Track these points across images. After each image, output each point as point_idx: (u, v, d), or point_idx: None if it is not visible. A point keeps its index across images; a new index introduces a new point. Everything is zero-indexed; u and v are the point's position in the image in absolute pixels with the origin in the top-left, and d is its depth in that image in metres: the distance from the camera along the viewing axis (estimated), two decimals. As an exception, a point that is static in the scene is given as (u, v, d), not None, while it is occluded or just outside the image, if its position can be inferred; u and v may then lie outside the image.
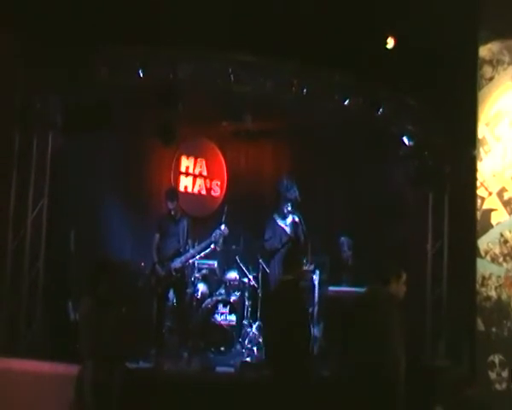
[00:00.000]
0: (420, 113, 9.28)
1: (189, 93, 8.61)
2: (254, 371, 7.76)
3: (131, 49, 8.20)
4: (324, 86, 8.99)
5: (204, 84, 8.67)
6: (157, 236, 8.71)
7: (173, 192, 9.10)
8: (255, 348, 8.88)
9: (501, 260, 7.77)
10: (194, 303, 9.00)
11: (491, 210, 7.90)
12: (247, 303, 9.22)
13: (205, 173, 10.62)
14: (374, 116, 9.16)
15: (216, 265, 9.38)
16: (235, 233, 9.26)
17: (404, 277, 6.13)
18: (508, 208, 7.81)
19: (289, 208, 9.05)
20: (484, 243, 7.87)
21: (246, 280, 9.31)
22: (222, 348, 8.65)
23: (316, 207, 10.02)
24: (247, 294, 9.27)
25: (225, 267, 9.42)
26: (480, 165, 8.04)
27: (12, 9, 7.54)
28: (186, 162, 10.53)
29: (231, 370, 8.02)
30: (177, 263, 8.64)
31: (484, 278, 7.81)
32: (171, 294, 8.82)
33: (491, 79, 8.01)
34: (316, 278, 8.94)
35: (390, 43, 8.48)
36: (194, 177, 10.55)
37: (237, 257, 9.36)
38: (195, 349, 8.55)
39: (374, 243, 9.65)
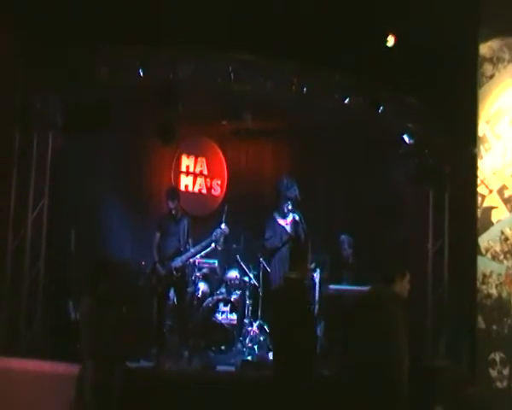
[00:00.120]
0: (420, 111, 9.29)
1: (189, 92, 8.61)
2: (255, 370, 7.76)
3: (131, 49, 8.21)
4: (324, 85, 9.00)
5: (204, 83, 8.67)
6: (157, 235, 8.72)
7: (174, 191, 9.10)
8: (256, 347, 8.90)
9: (501, 257, 7.75)
10: (195, 302, 9.01)
11: (492, 208, 7.88)
12: (247, 302, 9.24)
13: (205, 172, 10.63)
14: (374, 115, 9.16)
15: (216, 264, 9.41)
16: (236, 232, 9.28)
17: (407, 276, 6.12)
18: (508, 206, 7.78)
19: (289, 207, 9.06)
20: (484, 240, 7.85)
21: (246, 279, 9.32)
22: (223, 347, 8.66)
23: (316, 206, 10.02)
24: (247, 293, 9.28)
25: (226, 266, 9.44)
26: (480, 163, 8.02)
27: (12, 9, 7.54)
28: (186, 161, 10.54)
29: (232, 369, 8.02)
30: (177, 262, 8.64)
31: (484, 275, 7.79)
32: (171, 293, 8.82)
33: (491, 76, 7.99)
34: (316, 276, 8.95)
35: (390, 41, 8.47)
36: (195, 176, 10.55)
37: (238, 256, 9.38)
38: (196, 348, 8.56)
39: (374, 241, 9.67)
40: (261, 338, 8.99)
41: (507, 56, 7.92)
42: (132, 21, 7.74)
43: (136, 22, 7.75)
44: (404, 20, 8.23)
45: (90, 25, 7.64)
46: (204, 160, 10.63)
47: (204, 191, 10.61)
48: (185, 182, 10.50)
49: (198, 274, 9.11)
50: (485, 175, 7.96)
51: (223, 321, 8.85)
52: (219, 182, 10.66)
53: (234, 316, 8.92)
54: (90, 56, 8.13)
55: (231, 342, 8.72)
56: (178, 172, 10.46)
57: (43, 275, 8.25)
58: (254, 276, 9.37)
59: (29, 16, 7.62)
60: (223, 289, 9.19)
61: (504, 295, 7.67)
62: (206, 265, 9.29)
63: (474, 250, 7.90)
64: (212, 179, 10.64)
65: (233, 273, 9.32)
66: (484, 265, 7.82)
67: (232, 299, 9.05)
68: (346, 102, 9.03)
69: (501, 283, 7.70)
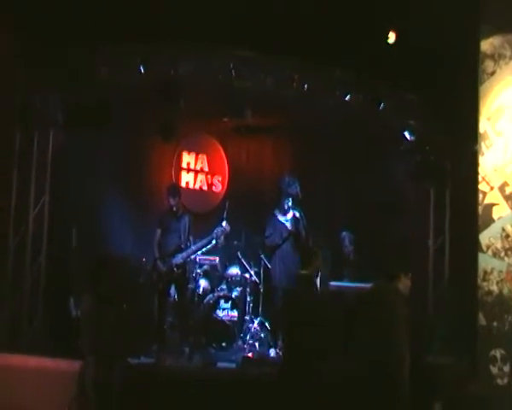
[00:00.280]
0: (421, 108, 9.27)
1: (190, 89, 8.60)
2: (256, 367, 7.77)
3: (132, 47, 8.21)
4: (325, 82, 8.99)
5: (205, 80, 8.67)
6: (158, 232, 8.72)
7: (175, 188, 9.11)
8: (257, 344, 8.91)
9: (502, 254, 7.76)
10: (196, 299, 9.02)
11: (493, 205, 7.88)
12: (248, 299, 9.24)
13: (206, 169, 10.62)
14: (375, 112, 9.15)
15: (217, 260, 9.40)
16: (237, 229, 9.27)
17: (409, 273, 6.14)
18: (509, 203, 7.78)
19: (290, 204, 9.07)
20: (485, 237, 7.85)
21: (247, 276, 9.33)
22: (223, 344, 8.66)
23: (317, 203, 10.02)
24: (248, 289, 9.29)
25: (227, 263, 9.44)
26: (481, 159, 8.02)
27: (12, 9, 7.54)
28: (187, 158, 10.54)
29: (233, 365, 8.02)
30: (178, 259, 8.65)
31: (485, 272, 7.80)
32: (172, 290, 8.83)
33: (492, 73, 7.98)
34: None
35: (391, 37, 8.45)
36: (196, 173, 10.55)
37: (239, 253, 9.39)
38: (197, 345, 8.57)
39: (375, 238, 9.66)
40: (262, 335, 9.01)
41: (508, 53, 7.91)
42: (133, 19, 7.74)
43: (136, 19, 7.75)
44: (405, 17, 8.22)
45: (90, 24, 7.64)
46: (205, 156, 10.63)
47: (205, 188, 10.61)
48: (186, 179, 10.50)
49: (199, 271, 9.12)
50: (486, 172, 7.96)
51: (223, 318, 8.85)
52: (220, 179, 10.66)
53: (235, 313, 8.93)
54: (90, 56, 8.14)
55: (232, 339, 8.72)
56: (179, 169, 10.46)
57: (45, 271, 8.27)
58: (255, 273, 9.37)
59: (29, 16, 7.63)
60: (223, 286, 9.19)
61: (505, 291, 7.68)
62: (207, 261, 9.29)
63: (475, 247, 7.90)
64: (212, 176, 10.64)
65: (234, 270, 9.32)
66: (485, 262, 7.83)
67: (233, 296, 9.06)
68: (346, 98, 9.03)
69: (502, 280, 7.71)
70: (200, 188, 10.60)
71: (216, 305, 8.91)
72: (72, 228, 8.97)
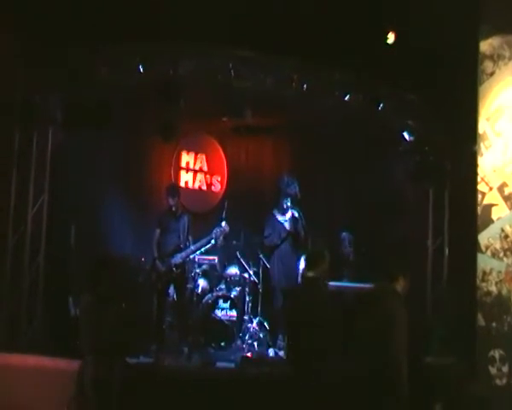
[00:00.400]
0: (420, 108, 9.28)
1: (190, 89, 8.61)
2: (255, 367, 7.76)
3: (132, 46, 8.21)
4: (324, 83, 9.00)
5: (204, 79, 8.67)
6: (157, 231, 8.72)
7: (174, 188, 9.11)
8: (256, 344, 8.91)
9: (501, 254, 7.75)
10: (195, 299, 9.02)
11: (492, 205, 7.88)
12: (247, 299, 9.24)
13: (205, 169, 10.63)
14: (374, 112, 9.15)
15: (216, 260, 9.40)
16: (236, 229, 9.28)
17: (408, 274, 6.14)
18: (508, 203, 7.78)
19: (288, 204, 9.07)
20: (484, 238, 7.85)
21: (246, 275, 9.33)
22: (222, 344, 8.66)
23: (316, 203, 10.03)
24: (247, 289, 9.29)
25: (226, 263, 9.45)
26: (480, 160, 8.01)
27: (12, 9, 7.53)
28: (186, 158, 10.55)
29: (232, 365, 8.01)
30: (177, 259, 8.65)
31: (484, 273, 7.79)
32: (171, 289, 8.83)
33: (491, 73, 7.98)
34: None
35: (390, 38, 8.46)
36: (195, 172, 10.55)
37: (238, 252, 9.39)
38: (196, 345, 8.57)
39: (374, 239, 9.66)
40: (261, 335, 9.01)
41: (507, 54, 7.91)
42: (133, 19, 7.74)
43: (136, 19, 7.75)
44: (405, 18, 8.22)
45: (90, 24, 7.64)
46: (204, 156, 10.63)
47: (204, 188, 10.62)
48: (185, 178, 10.51)
49: (198, 271, 9.12)
50: (485, 172, 7.96)
51: (222, 318, 8.85)
52: (219, 178, 10.66)
53: (233, 312, 8.92)
54: (90, 56, 8.14)
55: (231, 339, 8.72)
56: (178, 169, 10.47)
57: (44, 271, 8.27)
58: (254, 272, 9.37)
59: (29, 16, 7.62)
60: (222, 286, 9.19)
61: (504, 292, 7.67)
62: (206, 261, 9.29)
63: (474, 248, 7.90)
64: (212, 176, 10.64)
65: (233, 270, 9.32)
66: (484, 262, 7.82)
67: (232, 295, 9.06)
68: (346, 99, 9.03)
69: (501, 280, 7.70)
70: (200, 188, 10.60)
71: (215, 305, 8.91)
72: (70, 227, 8.96)
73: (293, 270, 8.97)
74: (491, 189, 7.91)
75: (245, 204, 10.00)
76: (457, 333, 8.53)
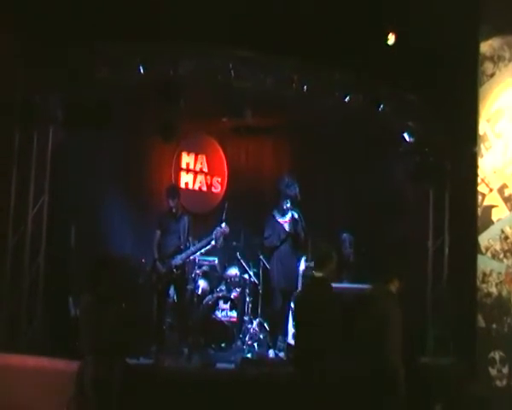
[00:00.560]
0: (420, 109, 9.28)
1: (190, 89, 8.60)
2: (255, 368, 7.76)
3: (132, 46, 8.21)
4: (325, 83, 9.00)
5: (204, 79, 8.66)
6: (158, 232, 8.71)
7: (174, 190, 9.09)
8: (256, 345, 8.91)
9: (501, 256, 7.76)
10: (195, 300, 9.01)
11: (492, 206, 7.88)
12: (247, 300, 9.23)
13: (205, 170, 10.61)
14: (374, 113, 9.15)
15: (216, 261, 9.40)
16: (236, 229, 9.27)
17: (402, 276, 6.20)
18: (508, 205, 7.79)
19: (288, 205, 9.05)
20: (484, 239, 7.85)
21: (246, 277, 9.32)
22: (222, 345, 8.65)
23: (316, 204, 10.02)
24: (247, 290, 9.28)
25: (226, 264, 9.44)
26: (480, 161, 8.02)
27: (12, 9, 7.53)
28: (187, 159, 10.53)
29: (232, 366, 7.99)
30: (177, 260, 8.64)
31: (484, 274, 7.80)
32: (171, 290, 8.83)
33: (492, 75, 7.99)
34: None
35: (391, 39, 8.46)
36: (195, 173, 10.54)
37: (238, 253, 9.37)
38: (196, 346, 8.55)
39: (374, 239, 9.66)
40: (261, 336, 9.00)
41: (507, 55, 7.92)
42: (133, 19, 7.73)
43: (136, 19, 7.74)
44: (405, 18, 8.22)
45: (90, 24, 7.64)
46: (204, 157, 10.62)
47: (204, 189, 10.60)
48: (185, 179, 10.49)
49: (198, 272, 9.11)
50: (485, 174, 7.97)
51: (222, 319, 8.84)
52: (219, 179, 10.65)
53: (234, 313, 8.92)
54: (90, 56, 8.13)
55: (231, 340, 8.71)
56: (178, 170, 10.45)
57: (44, 271, 8.26)
58: (254, 273, 9.37)
59: (29, 16, 7.62)
60: (223, 287, 9.18)
61: (504, 293, 7.68)
62: (206, 262, 9.29)
63: (474, 249, 7.91)
64: (212, 177, 10.63)
65: (233, 271, 9.31)
66: (484, 263, 7.83)
67: (232, 296, 9.05)
68: (346, 99, 9.03)
69: (501, 281, 7.71)
70: (200, 189, 10.59)
71: (215, 306, 8.90)
72: (70, 227, 8.95)
73: (293, 271, 8.97)
74: (491, 190, 7.91)
75: (245, 205, 9.99)
76: (457, 334, 8.53)
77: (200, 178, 10.57)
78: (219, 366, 7.94)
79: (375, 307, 6.21)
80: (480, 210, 7.95)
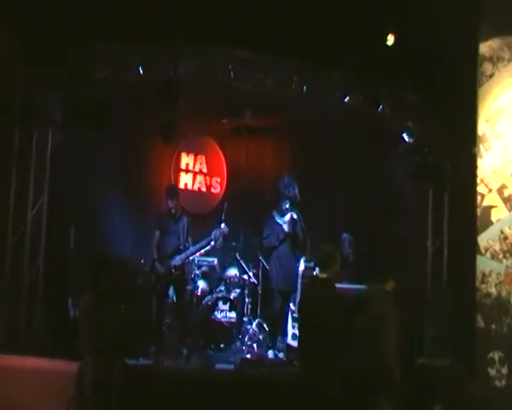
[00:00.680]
0: (420, 110, 9.29)
1: (189, 90, 8.60)
2: (254, 369, 7.76)
3: (132, 46, 8.21)
4: (324, 83, 9.00)
5: (204, 80, 8.66)
6: (157, 233, 8.72)
7: (173, 190, 9.09)
8: (255, 345, 8.89)
9: (501, 256, 7.76)
10: (194, 300, 9.00)
11: (491, 207, 7.89)
12: (247, 300, 9.22)
13: (205, 170, 10.60)
14: (374, 113, 9.15)
15: (216, 262, 9.39)
16: (235, 230, 9.27)
17: (395, 276, 6.25)
18: (508, 205, 7.80)
19: (287, 206, 9.05)
20: (484, 239, 7.86)
21: (246, 277, 9.31)
22: (222, 345, 8.65)
23: (316, 204, 10.03)
24: (247, 291, 9.27)
25: (225, 264, 9.43)
26: (480, 162, 8.03)
27: (12, 9, 7.53)
28: (186, 159, 10.52)
29: (231, 367, 7.99)
30: (176, 260, 8.64)
31: (484, 274, 7.81)
32: (170, 291, 8.83)
33: (491, 75, 8.00)
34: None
35: (390, 40, 8.47)
36: (194, 174, 10.53)
37: (237, 254, 9.36)
38: (195, 346, 8.55)
39: (374, 239, 9.65)
40: (260, 336, 8.99)
41: (507, 55, 7.93)
42: (133, 19, 7.74)
43: (136, 19, 7.74)
44: (405, 19, 8.23)
45: (90, 24, 7.64)
46: (203, 158, 10.61)
47: (203, 189, 10.59)
48: (185, 180, 10.48)
49: (197, 272, 9.10)
50: (484, 174, 7.98)
51: (222, 319, 8.83)
52: (219, 180, 10.64)
53: (233, 314, 8.91)
54: (90, 56, 8.13)
55: (230, 341, 8.71)
56: (178, 170, 10.44)
57: (43, 272, 8.26)
58: (253, 274, 9.36)
59: (29, 16, 7.62)
60: (222, 288, 9.17)
61: (503, 294, 7.69)
62: (206, 263, 9.28)
63: (474, 249, 7.91)
64: (211, 177, 10.62)
65: (232, 271, 9.30)
66: (483, 264, 7.84)
67: (231, 297, 9.04)
68: (346, 100, 9.03)
69: (500, 282, 7.72)
70: (199, 189, 10.58)
71: (214, 306, 8.90)
72: (70, 228, 8.95)
73: (292, 271, 8.96)
74: (490, 190, 7.92)
75: (244, 205, 9.98)
76: (457, 334, 8.53)
77: (199, 178, 10.56)
78: (218, 366, 7.94)
79: (370, 308, 6.23)
80: (479, 210, 7.95)
